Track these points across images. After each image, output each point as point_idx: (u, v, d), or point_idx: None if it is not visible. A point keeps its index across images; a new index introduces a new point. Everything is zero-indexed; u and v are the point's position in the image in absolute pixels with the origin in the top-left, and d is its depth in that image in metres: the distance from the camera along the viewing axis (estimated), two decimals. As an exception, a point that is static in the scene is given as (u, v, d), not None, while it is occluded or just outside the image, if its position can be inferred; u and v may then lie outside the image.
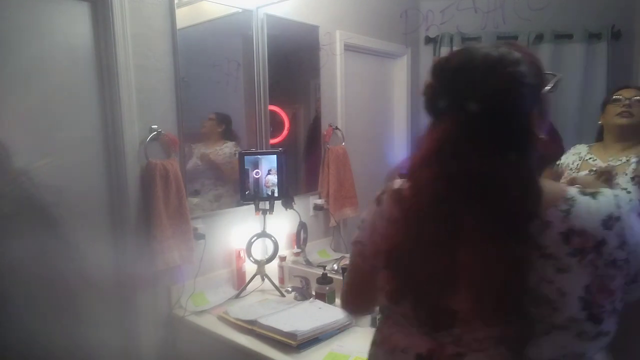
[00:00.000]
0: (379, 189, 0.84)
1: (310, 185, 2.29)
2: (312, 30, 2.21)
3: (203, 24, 1.94)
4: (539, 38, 2.08)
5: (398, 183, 0.80)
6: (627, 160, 1.47)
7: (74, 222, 1.55)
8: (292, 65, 2.25)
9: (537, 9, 1.66)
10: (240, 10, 2.05)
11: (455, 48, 2.35)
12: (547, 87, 0.75)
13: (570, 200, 0.67)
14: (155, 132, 1.69)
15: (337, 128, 2.29)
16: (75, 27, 1.56)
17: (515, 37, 2.13)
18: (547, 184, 0.69)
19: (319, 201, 2.21)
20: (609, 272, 0.64)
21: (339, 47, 2.27)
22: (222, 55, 2.04)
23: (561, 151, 1.62)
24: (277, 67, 2.14)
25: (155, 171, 1.65)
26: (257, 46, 2.09)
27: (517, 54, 0.69)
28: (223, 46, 2.07)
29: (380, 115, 2.62)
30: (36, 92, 1.47)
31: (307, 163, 2.37)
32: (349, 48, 2.31)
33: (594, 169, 1.52)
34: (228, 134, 2.09)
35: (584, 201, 0.67)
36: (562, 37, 2.05)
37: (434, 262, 0.69)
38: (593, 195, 0.68)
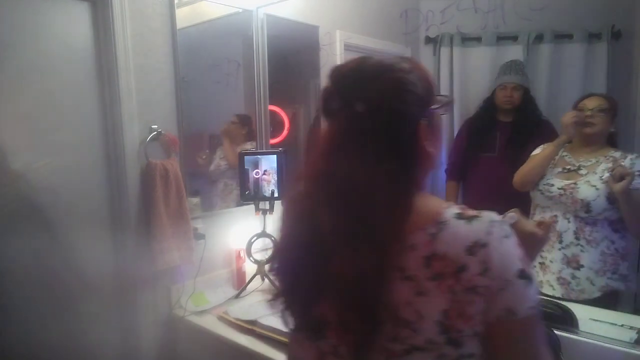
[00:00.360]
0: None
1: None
2: (312, 30, 2.21)
3: (203, 24, 1.94)
4: (539, 38, 2.09)
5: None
6: (597, 161, 1.60)
7: (73, 223, 1.55)
8: (292, 65, 2.25)
9: (537, 9, 1.66)
10: (240, 10, 2.05)
11: (455, 48, 2.36)
12: (435, 106, 0.74)
13: (441, 224, 0.66)
14: (155, 132, 1.69)
15: (337, 128, 2.29)
16: (75, 27, 1.55)
17: (515, 37, 2.13)
18: (425, 204, 0.69)
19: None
20: (467, 298, 0.63)
21: (339, 47, 2.27)
22: (222, 55, 2.04)
23: None
24: (277, 67, 2.14)
25: (155, 171, 1.65)
26: (257, 46, 2.09)
27: (407, 65, 0.71)
28: (223, 46, 2.08)
29: (380, 115, 2.62)
30: (36, 92, 1.47)
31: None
32: (349, 48, 2.31)
33: (568, 166, 1.65)
34: (251, 134, 2.13)
35: (454, 225, 0.66)
36: (562, 37, 2.06)
37: (305, 266, 0.68)
38: (469, 219, 0.66)
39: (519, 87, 1.98)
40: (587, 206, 1.55)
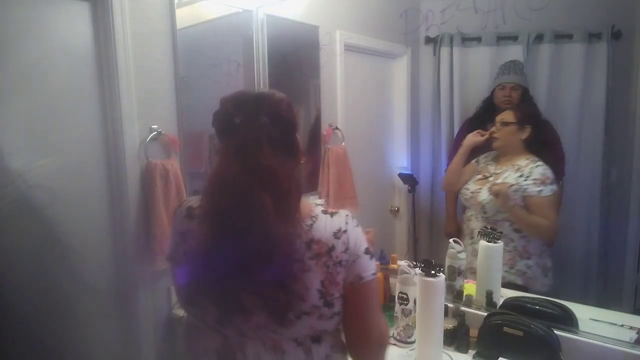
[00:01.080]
0: None
1: (310, 185, 2.29)
2: (312, 30, 2.21)
3: (203, 24, 1.94)
4: (539, 38, 2.08)
5: (192, 200, 0.98)
6: (505, 169, 1.80)
7: (74, 222, 1.55)
8: (292, 65, 2.25)
9: (537, 9, 1.66)
10: (240, 10, 2.05)
11: (455, 48, 2.36)
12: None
13: (314, 218, 0.91)
14: (155, 132, 1.69)
15: (337, 128, 2.29)
16: (75, 27, 1.55)
17: (515, 37, 2.13)
18: (301, 203, 0.91)
19: (319, 201, 2.21)
20: (336, 270, 0.88)
21: (339, 47, 2.27)
22: (222, 56, 2.04)
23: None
24: (277, 67, 2.14)
25: (155, 171, 1.65)
26: (257, 46, 2.09)
27: (281, 93, 0.95)
28: (223, 46, 2.08)
29: (380, 115, 2.62)
30: (36, 92, 1.47)
31: (307, 163, 2.37)
32: (349, 48, 2.31)
33: (486, 174, 1.87)
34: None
35: (323, 219, 0.91)
36: (562, 37, 2.05)
37: (232, 252, 0.83)
38: (332, 214, 0.93)
39: (518, 87, 1.99)
40: (483, 208, 1.79)
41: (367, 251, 0.92)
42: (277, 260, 0.82)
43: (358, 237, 0.92)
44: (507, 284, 1.72)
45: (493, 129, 1.83)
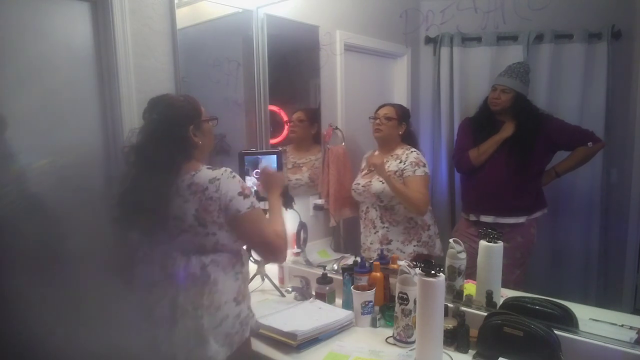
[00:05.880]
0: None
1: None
2: (312, 30, 2.21)
3: (203, 24, 1.94)
4: (539, 38, 2.08)
5: None
6: (387, 160, 2.00)
7: (74, 222, 1.55)
8: (292, 65, 2.25)
9: (537, 9, 1.66)
10: (240, 10, 2.05)
11: (455, 48, 2.36)
12: (202, 119, 1.34)
13: (197, 170, 1.27)
14: (155, 132, 1.69)
15: (337, 128, 2.28)
16: (75, 27, 1.56)
17: (515, 37, 2.13)
18: (191, 164, 1.29)
19: (319, 201, 2.21)
20: (208, 202, 1.23)
21: (339, 47, 2.27)
22: (222, 55, 2.05)
23: None
24: (277, 67, 2.14)
25: (155, 171, 1.65)
26: (257, 46, 2.09)
27: (182, 97, 1.35)
28: (223, 46, 2.08)
29: (380, 115, 2.61)
30: (36, 92, 1.47)
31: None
32: (349, 48, 2.31)
33: (372, 168, 2.03)
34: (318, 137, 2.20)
35: (204, 171, 1.27)
36: (562, 37, 2.05)
37: (138, 199, 1.26)
38: (213, 169, 1.27)
39: (509, 90, 1.96)
40: (379, 197, 1.98)
41: (240, 194, 1.26)
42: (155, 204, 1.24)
43: (230, 184, 1.25)
44: (417, 256, 1.96)
45: (377, 121, 2.04)
